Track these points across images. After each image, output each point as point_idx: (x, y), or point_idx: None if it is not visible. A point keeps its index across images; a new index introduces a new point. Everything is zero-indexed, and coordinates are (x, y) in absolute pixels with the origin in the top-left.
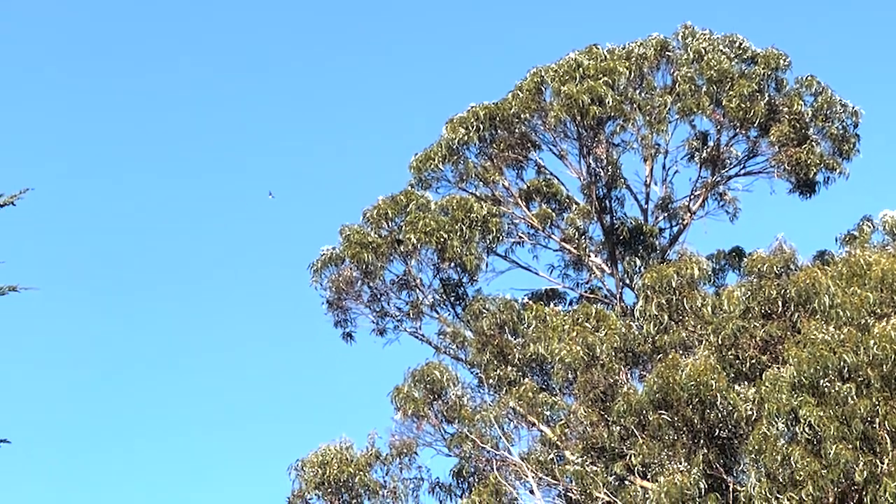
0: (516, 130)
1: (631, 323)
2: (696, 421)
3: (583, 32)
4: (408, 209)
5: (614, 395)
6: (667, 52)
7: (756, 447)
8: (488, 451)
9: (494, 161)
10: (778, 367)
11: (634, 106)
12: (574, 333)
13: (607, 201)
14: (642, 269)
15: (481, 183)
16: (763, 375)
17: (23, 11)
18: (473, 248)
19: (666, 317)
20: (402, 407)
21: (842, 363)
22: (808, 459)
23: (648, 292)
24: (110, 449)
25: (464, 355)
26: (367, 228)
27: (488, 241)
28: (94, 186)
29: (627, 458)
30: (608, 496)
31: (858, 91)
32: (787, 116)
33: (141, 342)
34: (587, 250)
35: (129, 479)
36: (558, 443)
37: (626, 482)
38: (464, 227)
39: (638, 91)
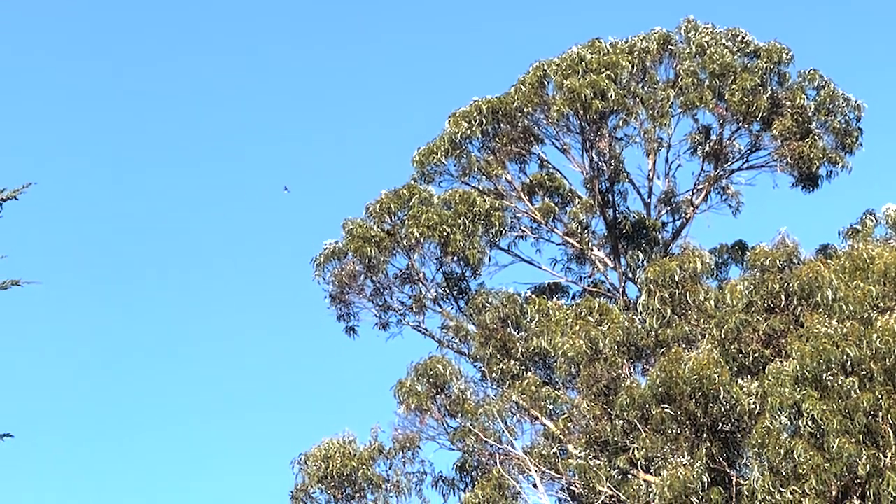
0: (519, 124)
1: (634, 317)
2: (699, 415)
3: (585, 26)
4: (411, 203)
5: (617, 389)
6: (669, 46)
7: (759, 441)
8: (491, 445)
9: (497, 155)
10: (781, 361)
11: (637, 100)
12: (577, 327)
13: (610, 195)
14: (645, 262)
15: (484, 177)
16: (766, 369)
17: (22, 5)
18: (476, 241)
19: (669, 311)
20: (405, 401)
21: (845, 357)
22: (811, 453)
23: (651, 286)
24: (113, 440)
25: (467, 349)
26: (369, 222)
27: (491, 235)
28: (95, 179)
29: (630, 451)
30: (611, 490)
31: (861, 85)
32: (789, 110)
33: (144, 335)
34: (590, 244)
35: (132, 470)
36: (561, 437)
37: (630, 476)
38: (467, 221)
39: (641, 85)
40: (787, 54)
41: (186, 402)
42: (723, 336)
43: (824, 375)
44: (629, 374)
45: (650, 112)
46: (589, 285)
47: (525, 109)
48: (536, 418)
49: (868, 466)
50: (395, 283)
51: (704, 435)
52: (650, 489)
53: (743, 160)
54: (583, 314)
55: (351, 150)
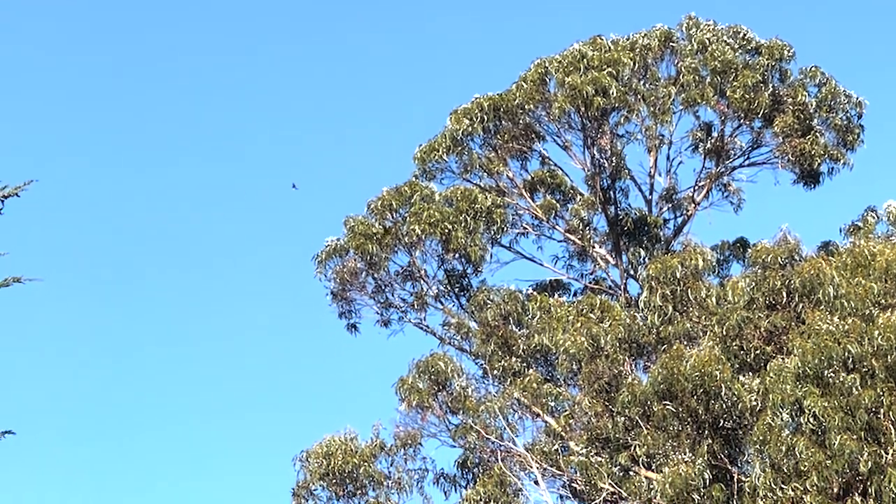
0: (520, 121)
1: (635, 314)
2: (700, 411)
3: (587, 23)
4: (412, 200)
5: (619, 386)
6: (671, 43)
7: (761, 438)
8: (493, 442)
9: (499, 152)
10: (782, 358)
11: (638, 97)
12: (578, 324)
13: (611, 192)
14: (647, 259)
15: (485, 174)
16: (767, 366)
17: (24, 2)
18: (478, 238)
19: (670, 307)
20: (407, 398)
21: (846, 354)
22: (812, 450)
23: (653, 283)
24: (114, 437)
25: (468, 346)
26: (371, 219)
27: (493, 232)
28: (96, 176)
29: (632, 448)
30: (613, 487)
31: (862, 82)
32: (791, 107)
33: (145, 333)
34: (591, 241)
35: (133, 468)
36: (563, 434)
37: (631, 473)
38: (468, 218)
39: (642, 82)
40: (788, 51)
41: (188, 400)
42: (724, 333)
43: (826, 372)
44: (630, 371)
45: (651, 109)
46: (590, 282)
47: (526, 106)
48: (538, 415)
49: (870, 463)
50: (397, 280)
51: (706, 432)
52: (652, 486)
53: (744, 157)
54: (584, 311)
55: (352, 148)
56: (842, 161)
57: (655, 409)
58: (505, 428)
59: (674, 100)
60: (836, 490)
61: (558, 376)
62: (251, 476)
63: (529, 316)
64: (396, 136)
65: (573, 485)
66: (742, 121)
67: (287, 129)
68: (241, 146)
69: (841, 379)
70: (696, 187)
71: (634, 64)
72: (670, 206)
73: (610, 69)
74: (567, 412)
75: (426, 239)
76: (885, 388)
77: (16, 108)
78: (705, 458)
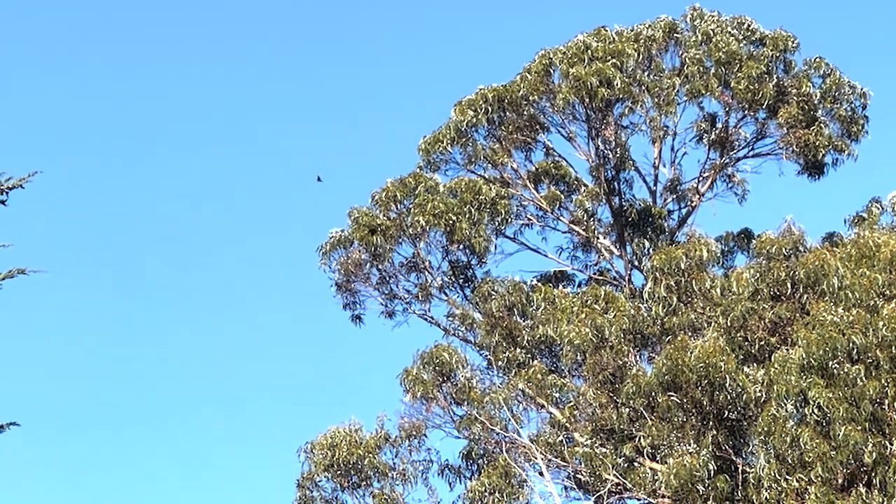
0: (525, 112)
1: (640, 305)
2: (705, 403)
3: (591, 14)
4: (416, 191)
5: (623, 377)
6: (675, 34)
7: (765, 429)
8: (497, 433)
9: (503, 143)
10: (787, 349)
11: (643, 88)
12: (583, 315)
13: (616, 183)
14: (651, 250)
15: (490, 165)
16: (772, 357)
17: None
18: (482, 230)
19: (675, 298)
20: (411, 389)
21: (851, 345)
22: (817, 441)
23: (657, 274)
24: (118, 429)
25: (473, 337)
26: (375, 211)
27: (497, 224)
28: (100, 167)
29: (636, 439)
30: (617, 478)
31: (867, 72)
32: (795, 98)
33: (150, 325)
34: (596, 232)
35: (137, 459)
36: (567, 425)
37: (636, 464)
38: (472, 210)
39: (646, 73)
40: (792, 42)
41: (192, 392)
42: (729, 324)
43: (830, 363)
44: (635, 362)
45: (656, 100)
46: (595, 273)
47: (531, 98)
48: (542, 406)
49: (874, 454)
50: (401, 271)
51: (710, 423)
52: (656, 477)
53: (749, 148)
54: (589, 302)
55: (356, 139)
56: (846, 152)
57: (660, 401)
58: (509, 419)
59: (678, 91)
60: (840, 481)
61: (563, 367)
62: (256, 467)
63: (534, 307)
64: (401, 127)
65: (578, 476)
66: (746, 112)
67: (291, 121)
68: (246, 138)
69: (845, 370)
70: (701, 178)
71: (639, 55)
72: (675, 197)
73: (614, 60)
74: (572, 403)
75: (430, 230)
76: (889, 378)
77: (20, 100)
78: (710, 450)
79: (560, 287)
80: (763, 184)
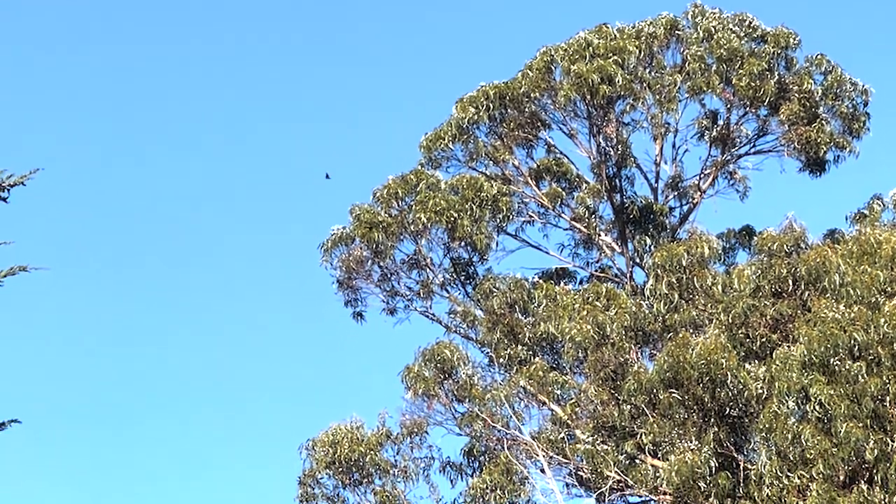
0: (526, 109)
1: (641, 302)
2: (706, 399)
3: (593, 11)
4: (418, 188)
5: (625, 374)
6: (676, 31)
7: (766, 426)
8: (499, 431)
9: (504, 140)
10: (788, 346)
11: (644, 85)
12: (584, 312)
13: (617, 180)
14: (652, 247)
15: (491, 162)
16: (773, 354)
17: None
18: (483, 227)
19: (676, 295)
20: (413, 386)
21: (852, 341)
22: (818, 438)
23: (659, 271)
24: (119, 427)
25: (474, 334)
26: (377, 208)
27: (498, 221)
28: (101, 164)
29: (638, 436)
30: (619, 475)
31: (868, 69)
32: (796, 95)
33: (151, 322)
34: (597, 229)
35: (138, 457)
36: (569, 422)
37: (637, 461)
38: (474, 207)
39: (648, 70)
40: (794, 39)
41: (193, 389)
42: (730, 321)
43: (832, 360)
44: (637, 359)
45: (657, 97)
46: (596, 270)
47: (532, 94)
48: (544, 403)
49: (876, 451)
50: (403, 268)
51: (712, 420)
52: (658, 474)
53: (750, 145)
54: (590, 299)
55: (358, 137)
56: (847, 149)
57: (661, 397)
58: (511, 416)
59: (679, 88)
60: (842, 478)
61: (564, 364)
62: (257, 466)
63: (535, 304)
64: (402, 124)
65: (579, 473)
66: (748, 109)
67: (292, 119)
68: (247, 136)
69: (847, 367)
70: (702, 175)
71: (640, 52)
72: (676, 194)
73: (616, 57)
74: (573, 400)
75: (432, 227)
76: (890, 375)
77: (22, 98)
78: (711, 446)
79: (561, 284)
80: (764, 181)
